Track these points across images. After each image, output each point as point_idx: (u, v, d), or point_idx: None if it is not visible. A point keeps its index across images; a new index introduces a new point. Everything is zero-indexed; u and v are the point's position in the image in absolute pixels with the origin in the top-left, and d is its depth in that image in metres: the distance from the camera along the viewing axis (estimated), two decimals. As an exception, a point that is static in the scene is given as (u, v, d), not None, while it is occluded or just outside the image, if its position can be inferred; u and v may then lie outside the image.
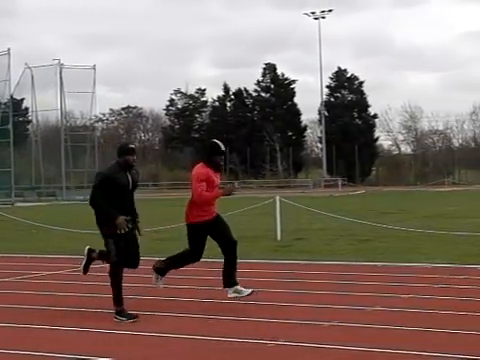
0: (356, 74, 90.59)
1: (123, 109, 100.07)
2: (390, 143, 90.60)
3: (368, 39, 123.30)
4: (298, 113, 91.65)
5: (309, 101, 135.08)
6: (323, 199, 43.42)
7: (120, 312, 8.32)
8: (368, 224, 18.86)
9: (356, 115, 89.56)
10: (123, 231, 8.30)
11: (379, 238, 17.11)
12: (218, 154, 8.93)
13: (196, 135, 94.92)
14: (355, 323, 7.83)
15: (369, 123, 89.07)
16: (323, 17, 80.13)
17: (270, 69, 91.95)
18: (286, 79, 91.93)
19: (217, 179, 8.95)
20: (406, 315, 8.16)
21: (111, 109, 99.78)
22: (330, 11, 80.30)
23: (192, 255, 9.04)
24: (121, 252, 8.41)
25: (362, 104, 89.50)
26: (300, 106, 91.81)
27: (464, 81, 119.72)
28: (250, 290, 8.93)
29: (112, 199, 8.38)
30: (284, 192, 51.96)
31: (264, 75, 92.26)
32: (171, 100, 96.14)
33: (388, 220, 21.18)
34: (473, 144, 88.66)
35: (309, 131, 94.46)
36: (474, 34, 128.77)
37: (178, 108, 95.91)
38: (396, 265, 12.46)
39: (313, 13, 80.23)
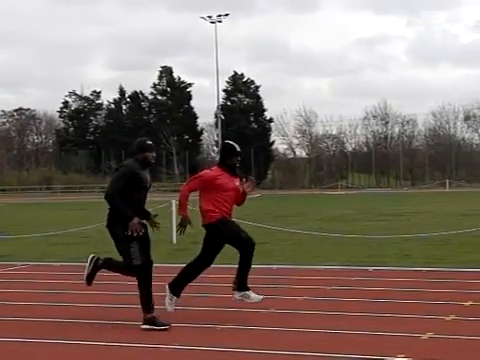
0: (252, 78, 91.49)
1: (15, 111, 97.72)
2: (285, 147, 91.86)
3: (264, 44, 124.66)
4: (195, 117, 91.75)
5: (206, 105, 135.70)
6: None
7: (152, 320, 7.87)
8: (264, 227, 19.01)
9: (252, 119, 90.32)
10: (135, 235, 7.80)
11: (275, 241, 17.26)
12: (234, 155, 8.38)
13: (91, 138, 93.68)
14: (250, 326, 7.86)
15: (265, 127, 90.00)
16: (220, 21, 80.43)
17: (166, 72, 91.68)
18: (182, 82, 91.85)
19: (233, 183, 8.39)
20: (301, 317, 8.24)
21: (2, 111, 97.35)
22: (226, 15, 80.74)
23: (243, 241, 8.24)
24: (145, 254, 8.04)
25: (258, 108, 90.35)
26: (197, 110, 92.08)
27: (356, 86, 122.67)
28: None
29: (129, 197, 7.86)
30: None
31: (160, 78, 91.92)
32: (65, 102, 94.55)
33: (284, 223, 21.42)
34: (365, 148, 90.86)
35: (206, 135, 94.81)
36: (365, 41, 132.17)
37: (72, 110, 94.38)
38: (291, 268, 12.59)
39: (210, 17, 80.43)
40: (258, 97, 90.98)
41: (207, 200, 8.38)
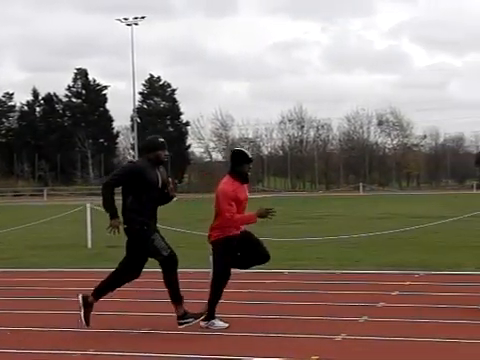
0: (169, 81, 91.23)
1: None
2: (202, 150, 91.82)
3: (181, 47, 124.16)
4: (110, 119, 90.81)
5: (122, 107, 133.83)
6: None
7: (184, 315, 7.69)
8: (180, 231, 18.96)
9: (169, 122, 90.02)
10: (111, 233, 7.61)
11: (191, 245, 17.23)
12: (245, 162, 7.98)
13: (3, 140, 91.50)
14: (165, 331, 7.84)
15: (181, 131, 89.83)
16: (136, 23, 79.80)
17: (81, 74, 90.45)
18: (98, 85, 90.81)
19: (245, 192, 8.03)
20: (217, 321, 8.24)
21: None
22: (143, 18, 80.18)
23: (225, 274, 8.09)
24: (169, 246, 7.74)
25: (174, 112, 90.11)
26: (112, 112, 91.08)
27: (272, 90, 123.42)
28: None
29: (138, 196, 7.61)
30: (96, 199, 51.27)
31: (75, 80, 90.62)
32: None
33: (200, 227, 21.39)
34: (281, 152, 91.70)
35: (121, 138, 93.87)
36: (281, 45, 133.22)
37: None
38: (207, 271, 12.57)
39: (126, 19, 79.72)
40: (174, 100, 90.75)
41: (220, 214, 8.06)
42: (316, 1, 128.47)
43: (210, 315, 8.03)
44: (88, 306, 7.90)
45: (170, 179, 7.92)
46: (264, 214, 7.90)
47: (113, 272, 8.13)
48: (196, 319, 7.71)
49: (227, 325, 7.98)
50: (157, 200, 7.88)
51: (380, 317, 8.35)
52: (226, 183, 7.98)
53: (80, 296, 7.96)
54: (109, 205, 7.67)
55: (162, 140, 7.92)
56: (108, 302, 9.61)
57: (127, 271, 8.05)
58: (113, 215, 7.66)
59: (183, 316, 7.71)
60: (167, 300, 9.58)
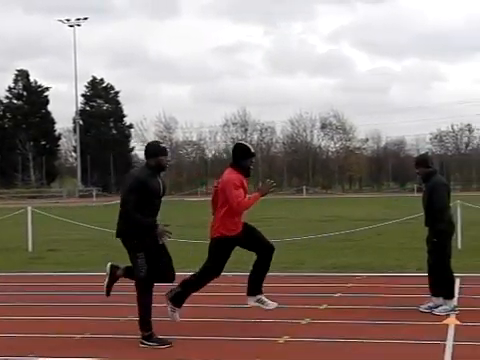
0: (112, 83, 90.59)
1: None
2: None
3: (123, 49, 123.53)
4: (52, 122, 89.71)
5: (64, 109, 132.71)
6: (78, 209, 42.86)
7: (149, 337, 7.34)
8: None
9: (112, 125, 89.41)
10: (163, 241, 7.34)
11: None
12: (249, 156, 7.98)
13: None
14: (108, 334, 7.75)
15: (124, 133, 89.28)
16: (78, 25, 79.23)
17: (22, 75, 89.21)
18: (39, 86, 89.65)
19: (246, 185, 8.03)
20: (161, 324, 8.18)
21: None
22: (85, 19, 79.61)
23: (214, 270, 8.08)
24: (152, 267, 7.40)
25: (118, 114, 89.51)
26: (54, 114, 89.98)
27: (216, 93, 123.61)
28: (275, 304, 8.29)
29: (141, 206, 7.31)
30: (37, 202, 50.65)
31: (16, 82, 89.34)
32: None
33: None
34: (225, 155, 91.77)
35: (64, 140, 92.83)
36: (224, 48, 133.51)
37: None
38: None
39: (68, 20, 79.07)
40: (117, 103, 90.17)
41: (227, 212, 7.99)
42: (258, 5, 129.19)
43: (179, 300, 8.01)
44: (113, 278, 7.82)
45: (167, 231, 7.58)
46: (266, 190, 8.08)
47: None
48: (161, 345, 7.33)
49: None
50: (158, 208, 7.71)
51: (323, 319, 8.39)
52: (230, 173, 8.02)
53: (109, 264, 7.88)
54: (143, 223, 7.37)
55: (164, 145, 7.74)
56: (48, 308, 9.48)
57: None
58: (153, 228, 7.38)
59: (148, 337, 7.42)
60: (115, 304, 9.52)
